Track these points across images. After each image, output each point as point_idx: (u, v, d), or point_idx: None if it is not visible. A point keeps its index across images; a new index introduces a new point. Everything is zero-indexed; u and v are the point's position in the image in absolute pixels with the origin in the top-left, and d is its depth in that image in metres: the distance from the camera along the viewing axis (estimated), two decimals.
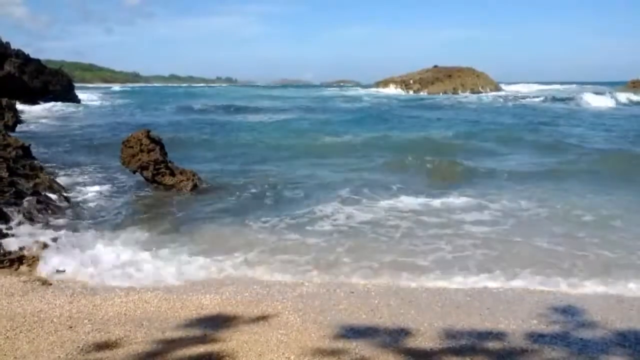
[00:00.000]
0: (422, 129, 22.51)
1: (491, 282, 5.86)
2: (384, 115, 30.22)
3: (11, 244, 6.30)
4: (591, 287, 5.74)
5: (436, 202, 9.26)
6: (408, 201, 9.33)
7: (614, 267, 6.35)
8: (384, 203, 9.22)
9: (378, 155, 14.81)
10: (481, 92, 68.09)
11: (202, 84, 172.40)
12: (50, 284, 5.47)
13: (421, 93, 71.09)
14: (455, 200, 9.45)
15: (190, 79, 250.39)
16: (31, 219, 7.31)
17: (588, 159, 14.02)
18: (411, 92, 72.72)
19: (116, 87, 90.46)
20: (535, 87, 74.21)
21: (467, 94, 65.43)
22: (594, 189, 10.38)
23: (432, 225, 7.95)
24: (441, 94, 67.37)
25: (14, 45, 37.86)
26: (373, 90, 78.94)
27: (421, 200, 9.42)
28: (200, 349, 3.92)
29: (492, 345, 4.11)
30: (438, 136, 19.37)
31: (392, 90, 75.70)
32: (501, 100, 47.84)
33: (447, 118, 28.77)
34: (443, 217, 8.41)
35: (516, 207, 9.03)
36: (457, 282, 5.89)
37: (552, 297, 5.36)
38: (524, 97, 51.41)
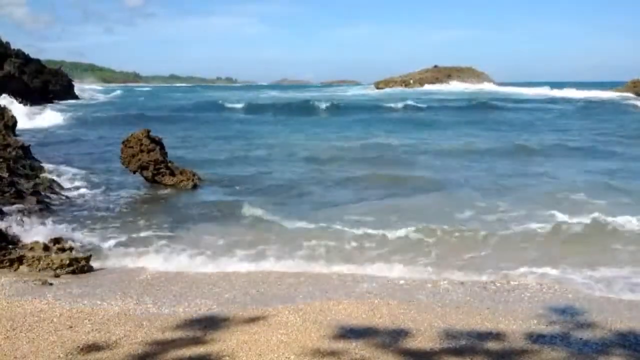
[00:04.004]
0: None
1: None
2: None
3: (11, 244, 6.30)
4: None
5: None
6: None
7: None
8: None
9: None
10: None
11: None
12: (51, 284, 5.47)
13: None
14: None
15: (190, 79, 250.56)
16: (31, 219, 7.31)
17: None
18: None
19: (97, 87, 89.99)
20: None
21: None
22: None
23: None
24: None
25: (16, 45, 37.95)
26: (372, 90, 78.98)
27: None
28: (200, 349, 3.92)
29: (492, 345, 4.10)
30: None
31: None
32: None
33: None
34: None
35: None
36: None
37: (551, 297, 5.36)
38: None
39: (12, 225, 6.86)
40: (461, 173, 12.27)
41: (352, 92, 69.92)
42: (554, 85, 70.54)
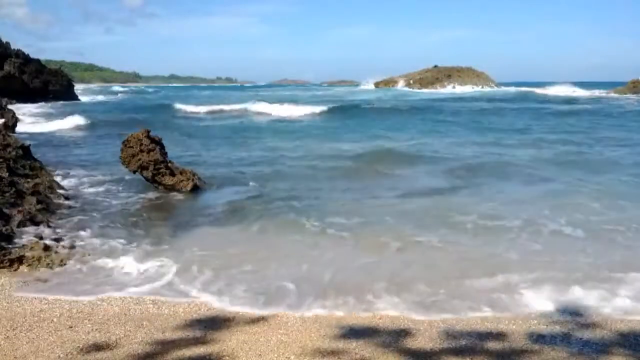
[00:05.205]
0: None
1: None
2: None
3: (11, 244, 6.30)
4: None
5: None
6: None
7: None
8: None
9: None
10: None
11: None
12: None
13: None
14: None
15: (190, 79, 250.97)
16: (31, 219, 7.31)
17: None
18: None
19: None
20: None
21: None
22: None
23: None
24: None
25: (16, 45, 38.05)
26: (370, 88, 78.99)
27: None
28: (200, 349, 3.92)
29: (492, 345, 4.11)
30: None
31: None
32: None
33: None
34: None
35: None
36: None
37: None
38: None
39: (12, 226, 6.85)
40: (464, 177, 12.26)
41: (350, 91, 70.00)
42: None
